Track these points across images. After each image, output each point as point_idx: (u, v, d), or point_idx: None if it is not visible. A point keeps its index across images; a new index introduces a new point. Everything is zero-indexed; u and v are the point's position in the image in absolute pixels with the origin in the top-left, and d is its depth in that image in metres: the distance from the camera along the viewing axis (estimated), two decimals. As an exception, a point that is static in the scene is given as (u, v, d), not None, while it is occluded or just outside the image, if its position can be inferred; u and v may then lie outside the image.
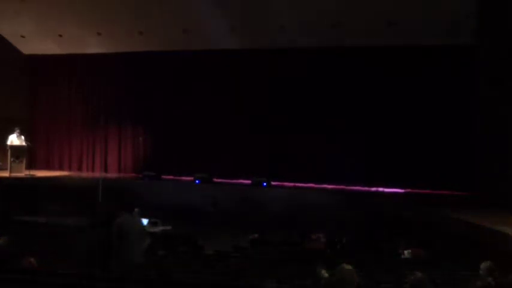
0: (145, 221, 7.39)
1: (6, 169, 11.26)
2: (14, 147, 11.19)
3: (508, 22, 8.87)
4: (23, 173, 11.16)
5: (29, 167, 11.58)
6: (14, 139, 11.28)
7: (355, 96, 11.08)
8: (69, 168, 13.31)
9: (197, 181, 10.89)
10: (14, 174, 11.01)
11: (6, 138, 11.31)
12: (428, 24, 9.76)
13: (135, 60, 12.63)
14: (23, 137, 11.44)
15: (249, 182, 10.87)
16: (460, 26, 9.59)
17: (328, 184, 10.85)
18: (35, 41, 12.70)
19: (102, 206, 9.01)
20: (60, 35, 12.27)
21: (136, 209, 6.42)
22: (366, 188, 10.64)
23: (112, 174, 12.77)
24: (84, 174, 12.98)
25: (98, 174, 12.87)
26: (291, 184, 10.90)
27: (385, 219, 8.65)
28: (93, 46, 12.54)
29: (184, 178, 11.69)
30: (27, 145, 11.44)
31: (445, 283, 4.75)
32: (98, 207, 9.06)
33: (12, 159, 11.11)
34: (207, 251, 6.39)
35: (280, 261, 5.50)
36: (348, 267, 3.36)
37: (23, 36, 12.58)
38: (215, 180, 11.09)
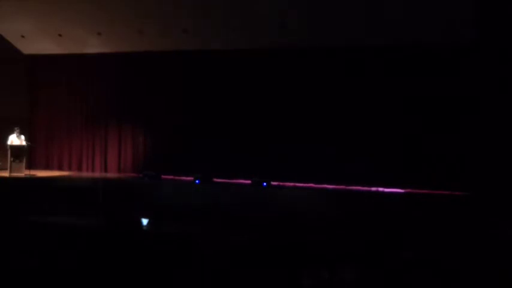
0: (145, 221, 7.39)
1: (6, 169, 11.28)
2: (14, 147, 11.20)
3: (508, 21, 8.89)
4: (23, 173, 11.16)
5: (29, 167, 11.58)
6: (14, 139, 11.31)
7: (355, 95, 11.08)
8: (69, 168, 13.33)
9: (197, 181, 10.89)
10: (14, 174, 11.01)
11: (6, 138, 11.33)
12: (427, 23, 9.77)
13: (135, 60, 12.63)
14: (22, 137, 11.46)
15: (249, 182, 10.87)
16: (459, 26, 9.59)
17: (328, 184, 10.85)
18: (35, 41, 12.70)
19: (103, 206, 9.00)
20: (60, 35, 12.27)
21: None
22: (366, 188, 10.63)
23: (112, 174, 12.79)
24: (84, 174, 12.99)
25: (98, 174, 12.90)
26: (291, 184, 10.90)
27: (385, 219, 8.64)
28: (93, 46, 12.54)
29: (184, 178, 11.69)
30: (27, 145, 11.46)
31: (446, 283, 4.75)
32: (99, 207, 9.05)
33: (12, 159, 11.12)
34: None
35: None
36: None
37: (23, 36, 12.58)
38: (215, 180, 11.09)
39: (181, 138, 12.30)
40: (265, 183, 10.56)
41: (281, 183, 10.92)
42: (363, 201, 9.71)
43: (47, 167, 13.33)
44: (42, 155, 13.46)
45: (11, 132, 11.35)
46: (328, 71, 11.28)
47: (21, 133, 11.46)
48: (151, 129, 12.78)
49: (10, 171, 11.05)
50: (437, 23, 9.66)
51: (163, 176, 11.52)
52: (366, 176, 10.64)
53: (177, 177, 11.83)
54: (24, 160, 11.33)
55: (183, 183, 11.50)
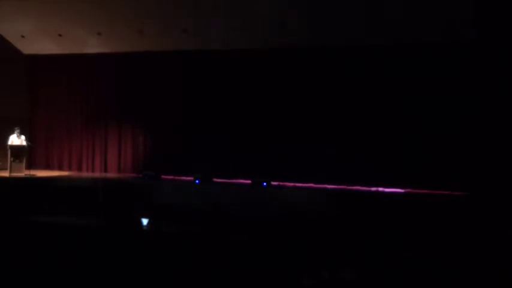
0: (145, 221, 7.39)
1: (6, 169, 11.28)
2: (14, 147, 11.21)
3: (508, 21, 8.89)
4: (23, 173, 11.16)
5: (29, 167, 11.58)
6: (15, 139, 11.32)
7: (355, 95, 11.08)
8: (69, 168, 13.33)
9: (197, 181, 10.90)
10: (14, 174, 11.01)
11: (6, 139, 11.33)
12: (427, 23, 9.76)
13: (135, 60, 12.63)
14: (23, 137, 11.46)
15: (249, 182, 10.87)
16: (459, 26, 9.59)
17: (328, 184, 10.85)
18: (35, 41, 12.70)
19: (103, 206, 9.00)
20: (60, 35, 12.27)
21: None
22: (366, 188, 10.63)
23: (112, 174, 12.79)
24: (84, 174, 12.99)
25: (98, 174, 12.90)
26: (291, 184, 10.90)
27: (385, 219, 8.64)
28: (93, 46, 12.54)
29: (184, 178, 11.69)
30: (28, 145, 11.46)
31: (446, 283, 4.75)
32: (99, 207, 9.05)
33: (12, 159, 11.12)
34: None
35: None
36: None
37: (23, 36, 12.58)
38: (215, 180, 11.09)
39: (181, 138, 12.30)
40: (265, 183, 10.56)
41: (281, 183, 10.92)
42: (363, 201, 9.71)
43: (47, 167, 13.33)
44: (42, 155, 13.46)
45: (11, 132, 11.34)
46: (328, 71, 11.28)
47: (21, 133, 11.46)
48: (151, 129, 12.78)
49: (10, 171, 11.05)
50: (437, 23, 9.65)
51: (163, 176, 11.52)
52: (366, 176, 10.64)
53: (177, 177, 11.83)
54: (24, 160, 11.33)
55: (183, 183, 11.50)
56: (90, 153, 13.29)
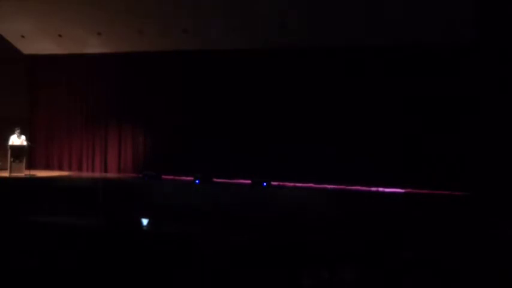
0: (145, 221, 7.39)
1: (6, 169, 11.28)
2: (14, 147, 11.21)
3: (508, 21, 8.89)
4: (23, 173, 11.16)
5: (29, 167, 11.58)
6: (15, 139, 11.32)
7: (355, 95, 11.07)
8: (69, 168, 13.33)
9: (197, 181, 10.90)
10: (14, 174, 11.01)
11: (6, 139, 11.33)
12: (427, 23, 9.76)
13: (135, 60, 12.63)
14: (23, 137, 11.46)
15: (249, 182, 10.87)
16: (459, 26, 9.59)
17: (328, 184, 10.85)
18: (35, 41, 12.69)
19: (103, 206, 9.00)
20: (60, 35, 12.27)
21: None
22: (366, 188, 10.63)
23: (112, 174, 12.79)
24: (84, 174, 12.99)
25: (98, 174, 12.90)
26: (291, 184, 10.90)
27: (385, 219, 8.63)
28: (93, 46, 12.54)
29: (184, 178, 11.70)
30: (28, 145, 11.46)
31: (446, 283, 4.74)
32: (99, 207, 9.04)
33: (12, 159, 11.12)
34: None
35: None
36: None
37: (23, 36, 12.58)
38: (215, 180, 11.10)
39: (181, 138, 12.30)
40: (265, 183, 10.56)
41: (281, 183, 10.92)
42: (363, 201, 9.70)
43: (47, 167, 13.33)
44: (42, 155, 13.46)
45: (11, 132, 11.35)
46: (328, 71, 11.27)
47: (21, 133, 11.47)
48: (151, 129, 12.78)
49: (10, 171, 11.05)
50: (437, 23, 9.65)
51: (163, 176, 11.52)
52: (366, 176, 10.63)
53: (177, 177, 11.83)
54: (24, 160, 11.33)
55: (183, 183, 11.50)
56: (90, 153, 13.29)
